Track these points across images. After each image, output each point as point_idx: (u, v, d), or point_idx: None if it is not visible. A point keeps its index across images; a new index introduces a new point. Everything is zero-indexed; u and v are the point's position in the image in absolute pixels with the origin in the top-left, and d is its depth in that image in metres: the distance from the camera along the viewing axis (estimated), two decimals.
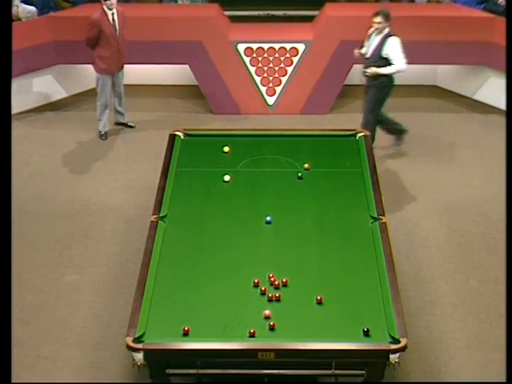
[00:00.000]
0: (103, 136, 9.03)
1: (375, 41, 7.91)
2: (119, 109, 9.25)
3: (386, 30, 7.86)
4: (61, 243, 7.04)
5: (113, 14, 8.61)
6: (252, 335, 4.74)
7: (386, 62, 7.89)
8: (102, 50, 8.68)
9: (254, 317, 4.90)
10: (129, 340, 4.70)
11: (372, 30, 7.95)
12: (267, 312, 4.92)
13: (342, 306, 5.01)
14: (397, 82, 10.32)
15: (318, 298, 5.04)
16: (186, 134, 7.08)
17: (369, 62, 7.97)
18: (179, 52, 9.49)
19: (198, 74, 9.66)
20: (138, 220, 7.26)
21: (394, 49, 7.83)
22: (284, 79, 9.62)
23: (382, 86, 8.04)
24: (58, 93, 10.14)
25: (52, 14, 9.75)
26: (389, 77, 8.02)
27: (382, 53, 7.84)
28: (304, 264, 5.41)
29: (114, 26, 8.65)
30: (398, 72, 7.94)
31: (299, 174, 6.43)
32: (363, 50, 8.09)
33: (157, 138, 8.59)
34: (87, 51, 8.78)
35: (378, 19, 7.81)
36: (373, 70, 7.90)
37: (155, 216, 5.89)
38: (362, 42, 8.20)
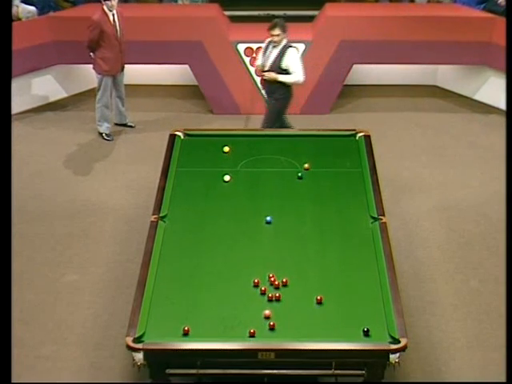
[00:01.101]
0: (109, 137, 9.02)
1: (273, 53, 7.68)
2: (122, 109, 9.25)
3: (284, 41, 7.64)
4: (61, 243, 7.04)
5: (113, 14, 8.61)
6: (252, 335, 4.74)
7: (286, 74, 7.70)
8: (104, 51, 8.67)
9: (254, 317, 4.90)
10: (129, 340, 4.70)
11: (267, 42, 7.76)
12: (267, 312, 4.92)
13: (342, 306, 5.01)
14: (397, 81, 10.46)
15: (318, 297, 5.04)
16: (185, 134, 7.08)
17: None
18: (179, 52, 9.49)
19: (198, 74, 9.66)
20: (138, 220, 7.26)
21: (293, 60, 7.64)
22: None
23: (282, 99, 7.89)
24: (58, 93, 10.14)
25: (52, 14, 9.76)
26: (288, 89, 7.84)
27: (281, 64, 7.63)
28: (304, 264, 5.41)
29: (115, 26, 8.65)
30: (295, 83, 7.77)
31: (299, 174, 6.43)
32: (259, 62, 7.93)
33: (157, 138, 8.60)
34: (87, 51, 8.77)
35: (277, 31, 7.55)
36: (272, 74, 7.67)
37: (155, 216, 5.89)
38: (256, 54, 8.31)
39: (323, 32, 9.47)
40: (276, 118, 8.01)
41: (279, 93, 7.84)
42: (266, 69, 7.71)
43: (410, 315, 5.96)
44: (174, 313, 4.97)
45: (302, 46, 9.44)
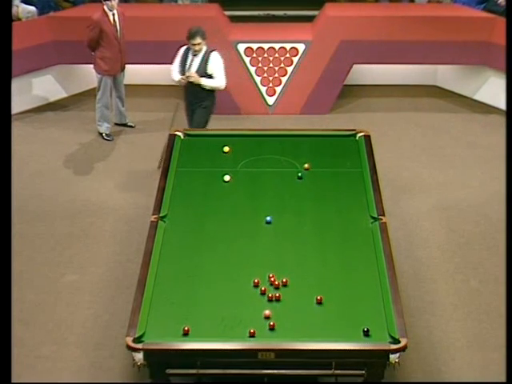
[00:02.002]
0: (109, 137, 9.02)
1: (195, 61, 7.53)
2: (122, 109, 9.25)
3: (205, 48, 7.54)
4: (61, 243, 7.04)
5: (113, 14, 8.61)
6: (252, 335, 4.74)
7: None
8: (104, 50, 8.68)
9: (254, 317, 4.90)
10: (129, 340, 4.70)
11: (183, 51, 7.62)
12: (267, 312, 4.92)
13: (341, 306, 5.01)
14: (397, 81, 10.46)
15: (318, 298, 5.04)
16: (185, 134, 7.08)
17: (195, 86, 7.59)
18: None
19: None
20: (138, 220, 7.26)
21: (218, 65, 7.54)
22: (284, 79, 9.62)
23: (211, 106, 7.76)
24: (58, 93, 10.14)
25: (52, 14, 9.76)
26: (214, 95, 7.72)
27: (207, 71, 7.51)
28: (304, 264, 5.41)
29: (115, 26, 8.66)
30: (217, 88, 7.64)
31: (299, 174, 6.43)
32: (177, 75, 7.64)
33: (157, 138, 8.61)
34: (87, 51, 8.78)
35: (198, 40, 7.42)
36: (197, 77, 7.48)
37: (155, 216, 5.89)
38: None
39: (323, 32, 9.47)
40: (206, 127, 7.79)
41: (209, 100, 7.66)
42: (189, 76, 7.52)
43: (410, 315, 5.96)
44: (173, 313, 4.97)
45: (302, 46, 9.45)
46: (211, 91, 7.64)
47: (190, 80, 7.49)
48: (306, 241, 5.66)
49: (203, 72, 7.45)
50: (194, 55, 7.46)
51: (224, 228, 5.81)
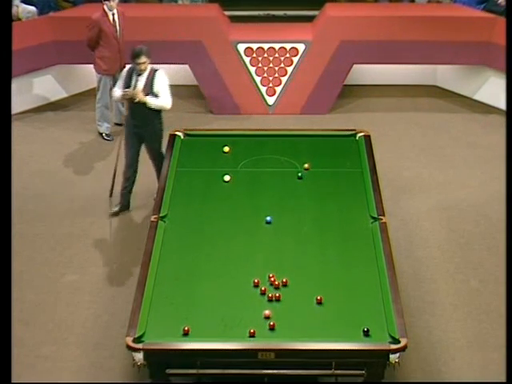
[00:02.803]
0: (109, 137, 9.01)
1: (140, 80, 7.01)
2: (122, 109, 9.20)
3: (149, 66, 7.05)
4: (61, 243, 7.04)
5: (113, 14, 8.62)
6: (252, 335, 4.75)
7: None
8: (103, 50, 8.69)
9: (253, 317, 4.90)
10: (129, 340, 4.71)
11: (127, 71, 7.12)
12: (267, 312, 4.92)
13: (341, 306, 5.01)
14: (397, 81, 10.45)
15: (318, 298, 5.04)
16: (185, 134, 7.08)
17: (142, 106, 7.03)
18: (179, 52, 9.48)
19: (198, 74, 9.66)
20: (138, 220, 7.27)
21: (163, 84, 7.07)
22: (284, 79, 9.61)
23: (161, 124, 7.24)
24: (58, 93, 10.13)
25: (52, 14, 9.75)
26: (161, 117, 7.21)
27: (153, 90, 7.02)
28: (304, 264, 5.42)
29: (115, 26, 8.66)
30: (162, 108, 7.12)
31: (299, 174, 6.43)
32: (118, 93, 7.16)
33: None
34: (87, 51, 8.78)
35: (143, 59, 6.92)
36: (141, 94, 6.95)
37: (155, 216, 5.89)
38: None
39: (323, 32, 9.47)
40: (161, 147, 7.29)
41: (157, 121, 7.18)
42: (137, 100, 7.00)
43: (410, 315, 5.96)
44: (173, 313, 4.97)
45: (302, 46, 9.45)
46: (158, 112, 7.14)
47: (135, 97, 6.97)
48: (305, 241, 5.67)
49: (149, 91, 7.00)
50: (139, 75, 7.01)
51: (224, 228, 5.81)
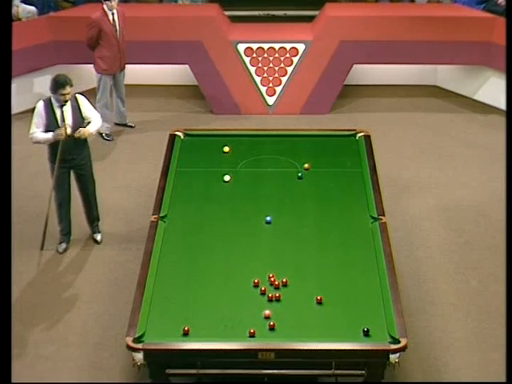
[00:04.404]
0: (109, 137, 9.01)
1: (67, 111, 6.50)
2: (122, 109, 9.25)
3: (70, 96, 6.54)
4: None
5: (113, 14, 8.63)
6: (252, 335, 4.75)
7: (85, 124, 6.65)
8: (103, 50, 8.70)
9: (254, 317, 4.91)
10: (129, 340, 4.71)
11: (45, 104, 6.54)
12: (267, 312, 4.92)
13: (341, 306, 5.01)
14: (397, 81, 10.45)
15: (318, 298, 5.04)
16: (185, 134, 7.08)
17: (70, 138, 6.54)
18: (179, 52, 9.49)
19: (198, 74, 9.66)
20: (138, 220, 7.27)
21: (89, 105, 6.71)
22: (284, 79, 9.61)
23: (89, 157, 6.86)
24: None
25: (52, 14, 9.75)
26: (88, 144, 6.81)
27: (83, 116, 6.58)
28: (304, 264, 5.42)
29: (115, 25, 8.67)
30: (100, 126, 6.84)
31: (299, 174, 6.43)
32: (42, 134, 6.52)
33: (157, 138, 8.60)
34: (87, 51, 8.79)
35: (68, 89, 6.39)
36: (85, 132, 6.54)
37: (155, 216, 5.89)
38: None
39: (323, 32, 9.47)
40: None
41: (86, 149, 6.77)
42: (70, 130, 6.47)
43: (410, 315, 5.96)
44: (173, 313, 4.97)
45: (302, 46, 9.44)
46: (85, 140, 6.69)
47: (80, 135, 6.51)
48: (305, 241, 5.67)
49: (79, 118, 6.55)
50: (62, 106, 6.47)
51: (224, 228, 5.81)
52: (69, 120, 6.51)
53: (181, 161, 6.66)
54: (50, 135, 6.49)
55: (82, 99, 6.67)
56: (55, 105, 6.51)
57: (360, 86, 10.30)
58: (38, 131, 6.55)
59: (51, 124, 6.49)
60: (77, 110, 6.57)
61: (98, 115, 6.81)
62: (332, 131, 7.33)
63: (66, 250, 6.95)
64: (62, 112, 6.49)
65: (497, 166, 8.18)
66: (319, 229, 5.81)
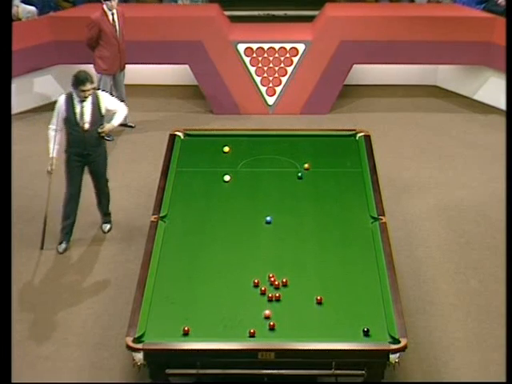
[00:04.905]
0: (109, 137, 8.99)
1: (86, 107, 6.60)
2: None
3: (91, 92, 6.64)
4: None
5: (113, 14, 8.64)
6: (252, 335, 4.75)
7: (104, 121, 6.77)
8: (102, 50, 8.70)
9: (254, 317, 4.90)
10: (129, 340, 4.71)
11: (65, 98, 6.60)
12: (267, 312, 4.92)
13: (341, 306, 5.01)
14: (397, 81, 10.45)
15: (318, 298, 5.04)
16: (185, 134, 7.08)
17: (92, 132, 6.66)
18: (179, 52, 9.49)
19: (198, 74, 9.66)
20: (138, 220, 7.26)
21: (109, 99, 6.88)
22: (284, 79, 9.61)
23: (106, 152, 6.95)
24: (58, 93, 9.98)
25: (52, 14, 9.76)
26: (104, 141, 6.95)
27: (101, 113, 6.70)
28: (304, 264, 5.42)
29: (115, 25, 8.68)
30: (125, 115, 7.02)
31: (299, 174, 6.43)
32: (52, 135, 6.75)
33: (157, 138, 8.60)
34: (87, 51, 8.79)
35: (88, 86, 6.49)
36: (108, 127, 6.76)
37: (155, 216, 5.89)
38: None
39: (323, 32, 9.47)
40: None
41: (103, 147, 6.90)
42: (87, 126, 6.61)
43: (410, 315, 5.96)
44: (173, 313, 4.97)
45: (302, 46, 9.45)
46: (102, 137, 6.82)
47: (104, 132, 6.73)
48: (305, 241, 5.67)
49: (98, 115, 6.66)
50: (82, 101, 6.57)
51: (224, 228, 5.81)
52: (87, 116, 6.63)
53: (181, 161, 6.66)
54: (50, 152, 6.78)
55: (102, 95, 6.80)
56: (76, 100, 6.61)
57: (360, 85, 10.30)
58: (54, 129, 6.74)
59: (70, 118, 6.63)
60: (96, 106, 6.67)
61: (123, 105, 6.95)
62: (332, 131, 7.34)
63: (65, 250, 6.93)
64: (82, 108, 6.61)
65: (497, 166, 8.18)
66: (319, 229, 5.81)
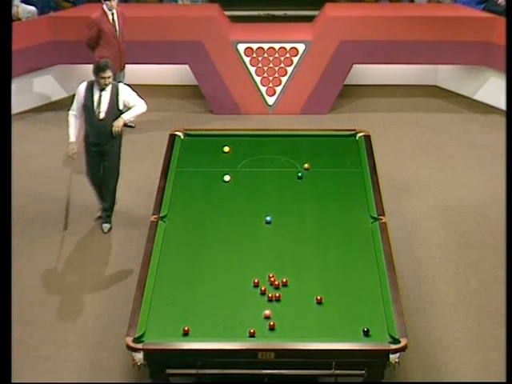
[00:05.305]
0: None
1: (105, 96, 6.73)
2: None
3: (111, 80, 6.76)
4: (61, 243, 7.03)
5: (113, 14, 8.63)
6: (252, 335, 4.75)
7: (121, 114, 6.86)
8: (102, 50, 8.68)
9: (254, 317, 4.90)
10: (129, 340, 4.71)
11: (86, 86, 6.76)
12: (267, 312, 4.92)
13: (342, 306, 5.01)
14: (397, 81, 10.46)
15: (318, 298, 5.04)
16: (185, 134, 7.08)
17: (107, 123, 6.77)
18: (179, 52, 9.49)
19: (198, 74, 9.66)
20: (138, 220, 7.26)
21: (131, 93, 6.88)
22: (284, 79, 9.62)
23: (120, 145, 7.05)
24: (58, 93, 10.14)
25: (52, 14, 9.76)
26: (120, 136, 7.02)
27: (119, 106, 6.79)
28: (304, 264, 5.42)
29: (115, 25, 8.67)
30: (143, 113, 7.00)
31: (299, 174, 6.43)
32: (72, 120, 6.85)
33: (157, 138, 8.60)
34: (87, 51, 8.79)
35: (109, 73, 6.64)
36: (120, 122, 6.82)
37: (155, 216, 5.89)
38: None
39: (323, 32, 9.47)
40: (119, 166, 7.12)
41: (117, 139, 6.96)
42: (103, 115, 6.73)
43: (410, 315, 5.96)
44: (174, 313, 4.97)
45: (302, 46, 9.45)
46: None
47: (116, 130, 6.80)
48: (305, 241, 5.67)
49: (115, 106, 6.76)
50: (102, 89, 6.70)
51: (224, 228, 5.81)
52: (104, 105, 6.75)
53: (181, 161, 6.66)
54: (70, 138, 6.85)
55: (123, 88, 6.87)
56: (95, 88, 6.74)
57: (360, 85, 10.30)
58: (74, 113, 6.86)
59: (87, 105, 6.76)
60: (114, 97, 6.77)
61: (142, 102, 6.94)
62: (332, 131, 7.33)
63: (110, 229, 7.16)
64: (100, 96, 6.74)
65: (497, 166, 8.18)
66: (319, 229, 5.80)
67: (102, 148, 6.91)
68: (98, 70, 6.66)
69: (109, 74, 6.66)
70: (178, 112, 9.77)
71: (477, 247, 6.97)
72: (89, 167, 7.07)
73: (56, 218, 7.41)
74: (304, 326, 4.86)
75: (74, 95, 10.01)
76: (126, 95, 6.85)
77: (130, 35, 8.90)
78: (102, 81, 6.67)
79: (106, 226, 7.23)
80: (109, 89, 6.74)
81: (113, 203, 7.23)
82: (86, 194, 7.81)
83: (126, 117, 6.88)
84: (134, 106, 6.88)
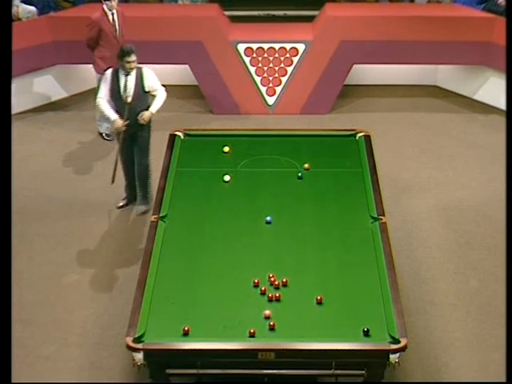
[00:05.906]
0: (109, 137, 9.01)
1: (130, 80, 6.98)
2: None
3: (136, 64, 7.01)
4: (61, 243, 7.04)
5: (113, 14, 8.63)
6: (252, 335, 4.75)
7: (147, 96, 7.14)
8: (103, 50, 8.69)
9: (254, 317, 4.90)
10: (129, 340, 4.71)
11: (112, 72, 7.03)
12: (267, 312, 4.92)
13: (342, 306, 5.01)
14: (397, 81, 10.46)
15: (318, 298, 5.04)
16: (185, 134, 7.08)
17: (135, 106, 7.03)
18: (179, 52, 9.49)
19: (198, 74, 9.66)
20: (138, 220, 7.27)
21: (154, 78, 7.14)
22: (284, 79, 9.62)
23: (150, 127, 7.32)
24: (58, 93, 10.14)
25: (52, 14, 9.76)
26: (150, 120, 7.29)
27: (144, 88, 7.05)
28: (304, 264, 5.42)
29: (115, 26, 8.66)
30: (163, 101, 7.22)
31: (299, 174, 6.43)
32: (105, 104, 7.06)
33: (157, 138, 8.59)
34: (87, 51, 8.79)
35: (133, 57, 6.90)
36: (147, 114, 7.10)
37: (155, 216, 5.89)
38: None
39: (323, 32, 9.47)
40: (149, 148, 7.38)
41: (148, 123, 7.23)
42: (130, 99, 6.96)
43: (410, 315, 5.96)
44: (174, 313, 4.97)
45: (302, 46, 9.45)
46: (148, 107, 7.15)
47: (143, 121, 7.07)
48: (305, 241, 5.66)
49: (141, 90, 7.01)
50: (127, 75, 6.96)
51: (224, 228, 5.81)
52: (130, 89, 6.98)
53: (181, 161, 6.66)
54: (111, 117, 7.06)
55: (147, 72, 7.10)
56: (121, 73, 6.99)
57: (360, 85, 10.31)
58: (104, 99, 7.07)
59: (114, 90, 7.00)
60: (140, 81, 7.01)
61: (163, 89, 7.18)
62: (332, 131, 7.33)
63: (145, 212, 7.32)
64: (126, 81, 6.97)
65: (497, 166, 8.18)
66: (319, 229, 5.80)
67: (130, 130, 7.11)
68: (123, 54, 6.89)
69: (133, 58, 6.88)
70: (177, 112, 9.76)
71: (477, 247, 6.97)
72: (121, 150, 7.26)
73: (56, 218, 7.41)
74: (304, 326, 4.86)
75: (74, 95, 10.19)
76: (151, 80, 7.09)
77: (130, 35, 8.89)
78: (128, 65, 6.89)
79: (140, 208, 7.40)
80: (133, 73, 6.98)
81: (146, 185, 7.37)
82: (86, 194, 7.82)
83: (154, 109, 7.13)
84: (157, 94, 7.12)
